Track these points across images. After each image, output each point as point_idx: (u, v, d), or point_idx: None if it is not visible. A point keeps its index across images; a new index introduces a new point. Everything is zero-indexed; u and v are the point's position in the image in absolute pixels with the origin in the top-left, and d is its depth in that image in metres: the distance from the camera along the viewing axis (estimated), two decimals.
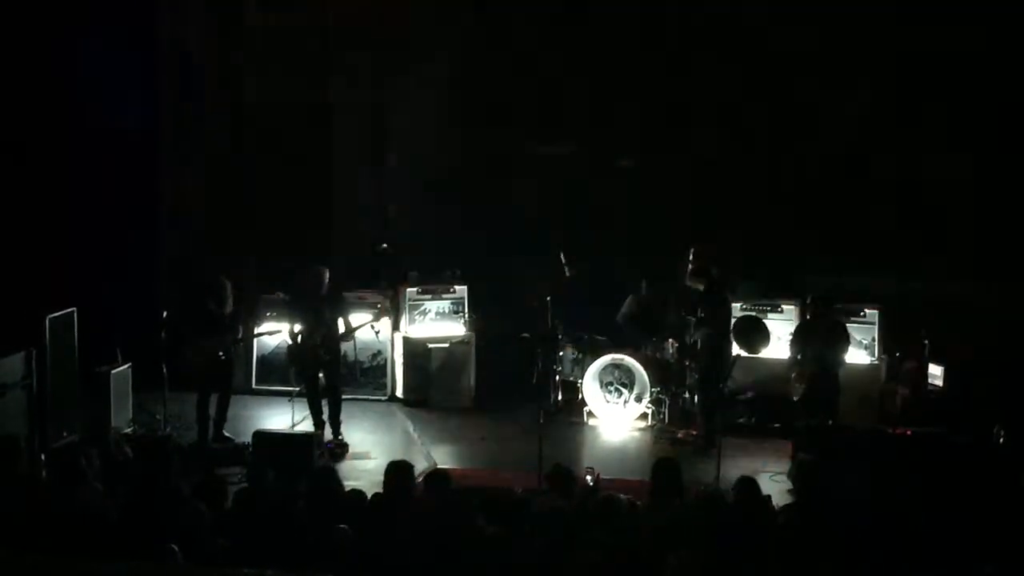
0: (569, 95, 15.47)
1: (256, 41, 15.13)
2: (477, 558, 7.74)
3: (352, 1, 15.46)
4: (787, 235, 14.63)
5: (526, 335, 13.55)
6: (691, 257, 12.92)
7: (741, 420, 12.89)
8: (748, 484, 8.60)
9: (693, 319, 12.78)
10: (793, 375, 12.17)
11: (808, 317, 12.58)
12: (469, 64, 15.55)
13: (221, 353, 12.42)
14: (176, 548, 7.31)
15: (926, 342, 12.17)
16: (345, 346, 12.96)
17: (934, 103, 14.66)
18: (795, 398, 12.11)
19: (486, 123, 15.51)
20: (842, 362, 12.20)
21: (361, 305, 13.59)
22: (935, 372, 12.38)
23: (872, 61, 14.76)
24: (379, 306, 13.81)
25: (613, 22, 15.20)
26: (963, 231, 14.69)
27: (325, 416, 12.57)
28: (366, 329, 12.88)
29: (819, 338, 12.09)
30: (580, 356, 13.56)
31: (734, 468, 11.25)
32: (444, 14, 15.49)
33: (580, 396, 13.43)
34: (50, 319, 12.17)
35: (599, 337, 13.74)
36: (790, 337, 12.54)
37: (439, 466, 11.87)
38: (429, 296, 14.26)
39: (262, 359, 14.39)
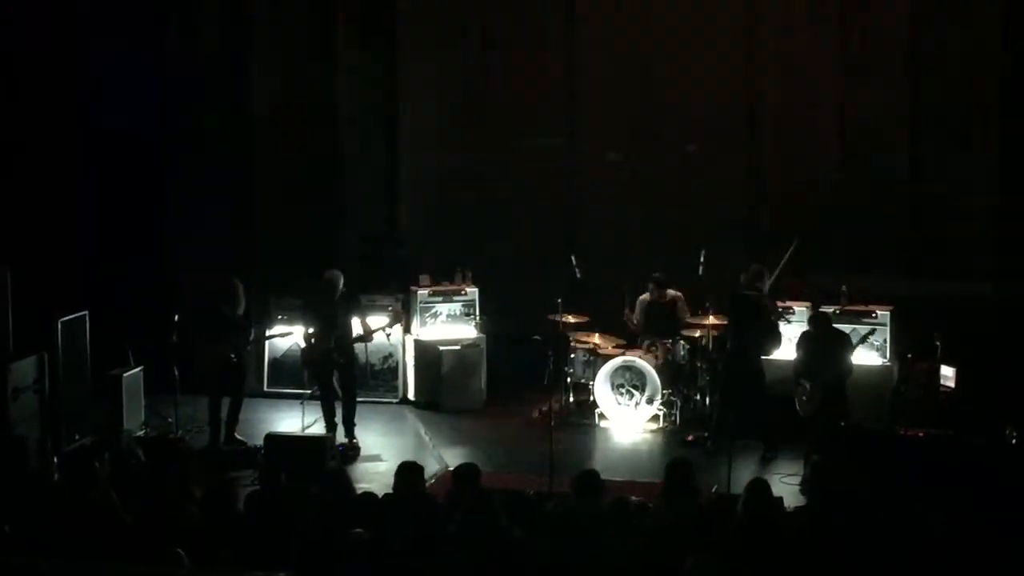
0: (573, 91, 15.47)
1: (263, 41, 15.14)
2: (499, 559, 7.75)
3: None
4: (787, 235, 14.57)
5: (537, 337, 13.54)
6: (701, 260, 12.87)
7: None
8: (760, 486, 8.58)
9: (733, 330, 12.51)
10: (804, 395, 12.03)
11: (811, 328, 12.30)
12: (474, 63, 15.54)
13: (233, 355, 12.43)
14: (182, 552, 7.30)
15: (938, 343, 12.11)
16: (357, 348, 12.94)
17: (942, 101, 14.63)
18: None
19: (494, 122, 15.48)
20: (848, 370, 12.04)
21: (373, 308, 13.58)
22: (947, 373, 12.33)
23: (880, 59, 14.72)
24: (390, 308, 13.79)
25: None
26: (975, 230, 14.63)
27: (338, 419, 12.59)
28: (379, 334, 12.87)
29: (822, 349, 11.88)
30: (591, 358, 13.55)
31: (745, 470, 11.25)
32: (448, 12, 15.50)
33: (591, 398, 13.41)
34: (62, 322, 12.21)
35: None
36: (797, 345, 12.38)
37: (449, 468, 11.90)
38: (440, 298, 14.25)
39: (274, 361, 14.40)
